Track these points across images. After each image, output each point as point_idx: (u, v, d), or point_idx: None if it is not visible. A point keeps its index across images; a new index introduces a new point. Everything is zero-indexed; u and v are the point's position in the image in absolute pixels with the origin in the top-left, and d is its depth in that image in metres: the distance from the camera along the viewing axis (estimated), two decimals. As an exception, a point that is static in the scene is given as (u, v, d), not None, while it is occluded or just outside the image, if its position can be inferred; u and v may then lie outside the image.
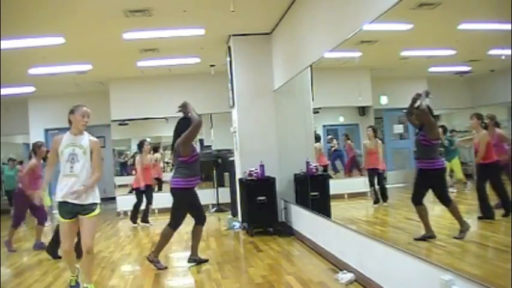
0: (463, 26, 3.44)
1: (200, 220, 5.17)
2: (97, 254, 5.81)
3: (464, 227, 3.69)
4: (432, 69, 4.53)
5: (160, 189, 9.82)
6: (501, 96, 3.45)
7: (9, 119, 10.65)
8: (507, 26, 2.55)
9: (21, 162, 11.72)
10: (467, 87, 4.00)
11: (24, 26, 5.71)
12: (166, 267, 5.04)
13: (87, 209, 3.86)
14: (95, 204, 3.91)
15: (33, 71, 7.98)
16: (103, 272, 5.02)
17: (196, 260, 5.14)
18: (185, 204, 5.04)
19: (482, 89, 3.89)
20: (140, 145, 8.17)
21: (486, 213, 3.73)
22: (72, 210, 3.84)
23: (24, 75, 8.17)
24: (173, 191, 5.00)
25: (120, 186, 10.51)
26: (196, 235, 5.19)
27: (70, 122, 4.06)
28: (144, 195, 8.11)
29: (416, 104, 3.97)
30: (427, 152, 3.96)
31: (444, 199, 3.90)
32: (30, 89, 9.64)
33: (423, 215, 3.92)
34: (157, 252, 5.06)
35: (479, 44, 3.43)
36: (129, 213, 9.46)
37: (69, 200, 3.81)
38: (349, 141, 6.85)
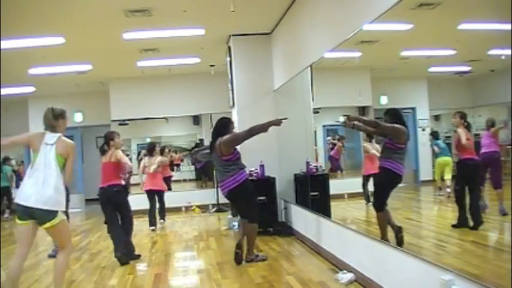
0: (463, 26, 3.44)
1: (254, 217, 5.03)
2: (97, 254, 5.83)
3: (384, 239, 3.79)
4: (432, 69, 4.53)
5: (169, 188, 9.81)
6: (501, 96, 3.46)
7: (9, 119, 10.64)
8: (507, 26, 2.55)
9: (22, 162, 11.78)
10: (467, 87, 4.01)
11: (24, 26, 5.71)
12: (266, 258, 5.07)
13: None
14: None
15: (33, 71, 7.98)
16: (103, 272, 5.02)
17: (253, 259, 5.02)
18: (253, 193, 5.07)
19: (482, 89, 3.90)
20: (151, 149, 7.86)
21: (462, 221, 3.75)
22: None
23: (24, 75, 8.17)
24: (235, 190, 4.88)
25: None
26: (247, 234, 5.06)
27: (56, 126, 3.82)
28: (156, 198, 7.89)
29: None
30: (390, 153, 4.01)
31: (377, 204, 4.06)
32: (30, 89, 9.64)
33: (384, 221, 3.99)
34: (251, 250, 5.05)
35: (479, 44, 3.43)
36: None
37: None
38: (339, 143, 6.85)
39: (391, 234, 3.91)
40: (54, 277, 3.76)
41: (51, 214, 3.53)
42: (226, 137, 4.90)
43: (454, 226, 3.85)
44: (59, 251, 3.78)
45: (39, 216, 3.54)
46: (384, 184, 4.14)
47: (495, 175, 3.67)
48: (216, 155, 4.94)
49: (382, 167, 4.08)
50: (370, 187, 5.63)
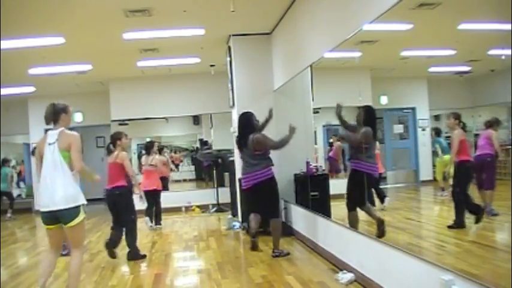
0: (463, 26, 3.44)
1: (276, 213, 5.37)
2: (97, 254, 5.83)
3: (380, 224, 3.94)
4: (432, 69, 4.53)
5: (166, 188, 9.81)
6: (501, 96, 3.46)
7: (9, 119, 10.66)
8: (507, 26, 2.55)
9: (22, 161, 11.82)
10: (467, 87, 4.01)
11: (24, 26, 5.71)
12: (289, 253, 5.26)
13: None
14: None
15: (33, 71, 7.98)
16: (103, 272, 5.02)
17: (280, 254, 5.20)
18: (277, 190, 5.29)
19: (482, 89, 3.90)
20: (149, 147, 7.80)
21: (458, 220, 3.78)
22: None
23: (24, 75, 8.17)
24: (263, 183, 5.11)
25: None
26: (273, 230, 5.31)
27: (57, 120, 3.73)
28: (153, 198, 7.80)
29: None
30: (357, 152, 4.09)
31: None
32: (30, 89, 9.64)
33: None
34: (278, 244, 5.26)
35: (479, 44, 3.43)
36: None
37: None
38: (338, 143, 6.85)
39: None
40: (69, 277, 3.71)
41: (72, 212, 3.52)
42: (259, 138, 5.13)
43: (450, 227, 3.88)
44: (72, 251, 3.71)
45: (62, 216, 3.54)
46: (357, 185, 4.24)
47: (488, 177, 3.68)
48: (248, 150, 5.13)
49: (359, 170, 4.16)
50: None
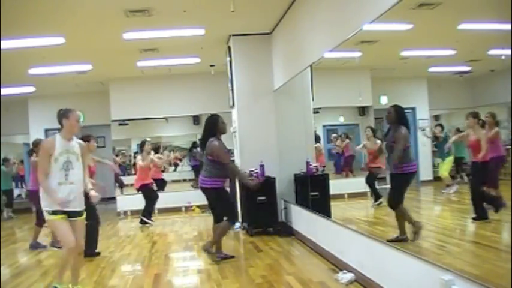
0: (463, 26, 3.44)
1: (229, 217, 5.19)
2: (97, 254, 5.82)
3: (402, 236, 3.79)
4: (432, 69, 4.54)
5: (162, 189, 9.82)
6: (501, 96, 3.46)
7: (9, 119, 10.65)
8: (507, 26, 2.55)
9: (21, 162, 11.80)
10: (467, 87, 4.01)
11: (24, 26, 5.71)
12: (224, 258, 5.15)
13: (80, 213, 3.91)
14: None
15: (33, 71, 7.97)
16: (103, 272, 5.02)
17: (209, 252, 5.17)
18: (220, 200, 5.12)
19: (482, 89, 3.90)
20: (141, 145, 8.20)
21: (481, 213, 3.77)
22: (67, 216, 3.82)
23: (24, 75, 8.17)
24: (203, 189, 5.13)
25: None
26: (217, 230, 5.20)
27: (61, 125, 3.87)
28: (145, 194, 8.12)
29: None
30: (404, 154, 4.06)
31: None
32: (30, 89, 9.64)
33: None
34: (214, 245, 5.18)
35: (479, 44, 3.43)
36: (129, 213, 9.50)
37: (66, 209, 3.75)
38: (347, 140, 6.86)
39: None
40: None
41: None
42: (215, 146, 4.96)
43: (474, 219, 3.89)
44: None
45: None
46: (404, 185, 4.17)
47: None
48: (205, 152, 5.09)
49: (402, 173, 4.10)
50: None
